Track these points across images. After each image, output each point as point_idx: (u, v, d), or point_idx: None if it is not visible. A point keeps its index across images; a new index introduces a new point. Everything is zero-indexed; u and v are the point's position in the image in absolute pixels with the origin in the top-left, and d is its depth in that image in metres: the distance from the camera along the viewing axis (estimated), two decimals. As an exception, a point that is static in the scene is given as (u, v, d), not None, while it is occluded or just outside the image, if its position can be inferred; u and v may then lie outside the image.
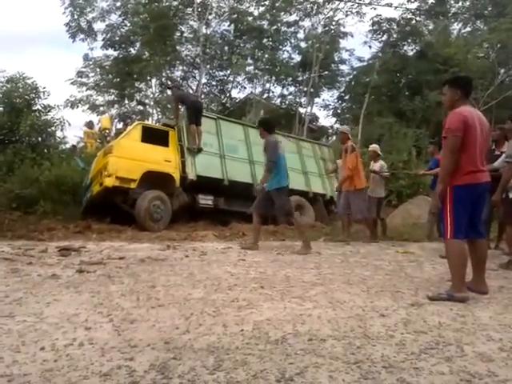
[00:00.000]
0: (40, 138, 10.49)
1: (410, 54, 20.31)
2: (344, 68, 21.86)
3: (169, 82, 17.71)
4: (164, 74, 20.12)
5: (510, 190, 4.49)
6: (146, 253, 4.78)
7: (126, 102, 20.76)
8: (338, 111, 22.96)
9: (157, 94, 20.99)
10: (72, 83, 19.24)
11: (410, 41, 20.18)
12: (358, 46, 34.59)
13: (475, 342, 2.19)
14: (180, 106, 9.02)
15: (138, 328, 2.31)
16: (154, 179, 7.63)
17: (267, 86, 21.93)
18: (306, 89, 20.60)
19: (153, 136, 7.99)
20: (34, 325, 2.32)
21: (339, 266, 4.46)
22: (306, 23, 20.23)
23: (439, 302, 2.95)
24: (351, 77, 21.68)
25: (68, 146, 12.61)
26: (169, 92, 20.61)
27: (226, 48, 20.75)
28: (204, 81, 20.98)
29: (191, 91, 19.59)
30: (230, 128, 9.48)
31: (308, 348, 2.06)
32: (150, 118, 19.60)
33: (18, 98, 10.32)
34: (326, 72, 21.17)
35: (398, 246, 6.33)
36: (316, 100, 22.26)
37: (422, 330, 2.35)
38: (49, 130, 10.77)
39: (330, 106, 22.82)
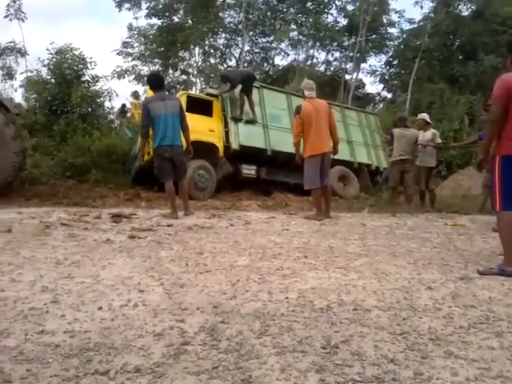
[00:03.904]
0: (90, 109, 10.84)
1: (465, 14, 18.92)
2: (393, 31, 20.76)
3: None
4: (207, 42, 20.00)
5: None
6: (192, 221, 4.92)
7: (170, 71, 20.92)
8: (386, 77, 21.98)
9: (200, 63, 20.98)
10: (118, 54, 19.63)
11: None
12: (409, 6, 32.56)
13: (528, 318, 2.12)
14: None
15: (188, 292, 2.41)
16: (198, 149, 7.74)
17: (311, 52, 21.31)
18: (351, 54, 19.87)
19: (197, 106, 8.05)
20: (91, 286, 2.47)
21: (384, 237, 4.40)
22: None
23: (490, 277, 2.86)
24: (400, 40, 20.56)
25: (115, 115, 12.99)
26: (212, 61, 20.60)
27: (269, 14, 20.23)
28: (247, 48, 20.73)
29: (234, 59, 19.47)
30: (272, 97, 9.39)
31: (353, 317, 2.07)
32: (194, 88, 19.69)
33: (68, 69, 10.58)
34: (374, 36, 20.22)
35: (446, 219, 6.13)
36: (362, 66, 21.44)
37: (471, 304, 2.30)
38: (98, 100, 11.12)
39: (377, 72, 21.88)
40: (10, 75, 19.94)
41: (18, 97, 19.16)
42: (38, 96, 11.21)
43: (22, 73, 18.84)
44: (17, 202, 6.27)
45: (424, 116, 7.61)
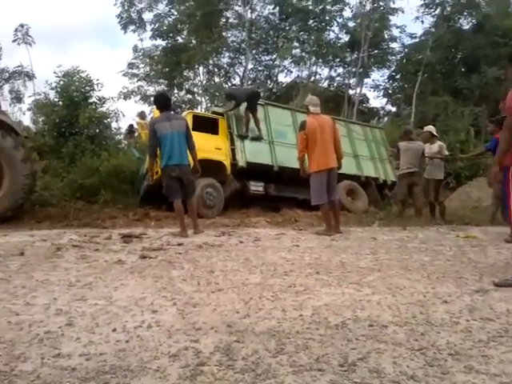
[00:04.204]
0: (98, 130, 10.97)
1: (466, 27, 19.10)
2: (395, 46, 20.98)
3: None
4: (211, 62, 20.30)
5: None
6: (202, 239, 4.92)
7: (176, 91, 21.20)
8: (389, 91, 22.11)
9: (204, 82, 21.26)
10: (124, 75, 19.98)
11: (465, 13, 18.91)
12: (410, 21, 33.02)
13: (549, 330, 2.08)
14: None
15: (201, 311, 2.39)
16: (205, 167, 7.78)
17: (314, 68, 21.52)
18: (354, 69, 20.03)
19: (203, 124, 8.14)
20: (104, 308, 2.46)
21: (396, 251, 4.36)
22: (353, 0, 19.60)
23: (506, 289, 2.82)
24: (402, 55, 20.75)
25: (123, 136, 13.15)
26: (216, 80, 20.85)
27: (272, 32, 20.53)
28: (250, 66, 20.99)
29: (238, 77, 19.70)
30: (277, 113, 9.47)
31: (369, 334, 2.05)
32: (199, 107, 19.92)
33: (75, 92, 10.71)
34: (376, 51, 20.41)
35: (458, 231, 6.07)
36: (365, 80, 21.61)
37: (488, 317, 2.26)
38: (105, 121, 11.26)
39: (381, 87, 22.03)
40: (18, 99, 20.41)
41: (27, 120, 19.58)
42: (46, 118, 11.37)
43: (30, 96, 19.29)
44: (28, 225, 6.31)
45: (430, 128, 7.62)
